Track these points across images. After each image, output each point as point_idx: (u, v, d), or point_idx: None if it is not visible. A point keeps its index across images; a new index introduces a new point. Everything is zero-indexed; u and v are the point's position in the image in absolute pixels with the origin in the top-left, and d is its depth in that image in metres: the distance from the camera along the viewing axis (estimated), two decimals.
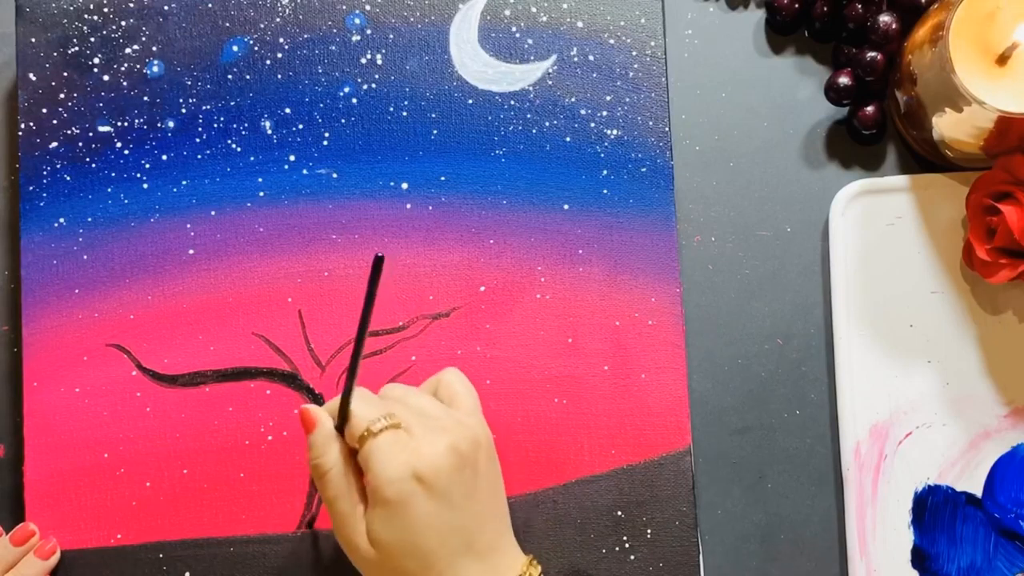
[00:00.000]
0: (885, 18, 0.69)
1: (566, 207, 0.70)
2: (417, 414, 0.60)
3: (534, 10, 0.71)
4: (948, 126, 0.67)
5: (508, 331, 0.70)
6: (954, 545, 0.69)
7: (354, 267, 0.70)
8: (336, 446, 0.60)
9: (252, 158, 0.71)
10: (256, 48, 0.71)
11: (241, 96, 0.71)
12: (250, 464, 0.69)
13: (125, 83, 0.71)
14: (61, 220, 0.71)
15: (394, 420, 0.58)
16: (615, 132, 0.70)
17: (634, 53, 0.71)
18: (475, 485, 0.59)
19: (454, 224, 0.70)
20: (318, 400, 0.70)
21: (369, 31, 0.71)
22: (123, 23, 0.71)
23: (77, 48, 0.71)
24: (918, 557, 0.69)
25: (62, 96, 0.71)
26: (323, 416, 0.60)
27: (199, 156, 0.71)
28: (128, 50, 0.71)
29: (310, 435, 0.60)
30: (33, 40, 0.71)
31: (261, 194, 0.71)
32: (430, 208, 0.70)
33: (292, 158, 0.71)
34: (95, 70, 0.71)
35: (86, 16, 0.71)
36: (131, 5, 0.71)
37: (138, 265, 0.70)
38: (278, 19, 0.71)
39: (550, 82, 0.71)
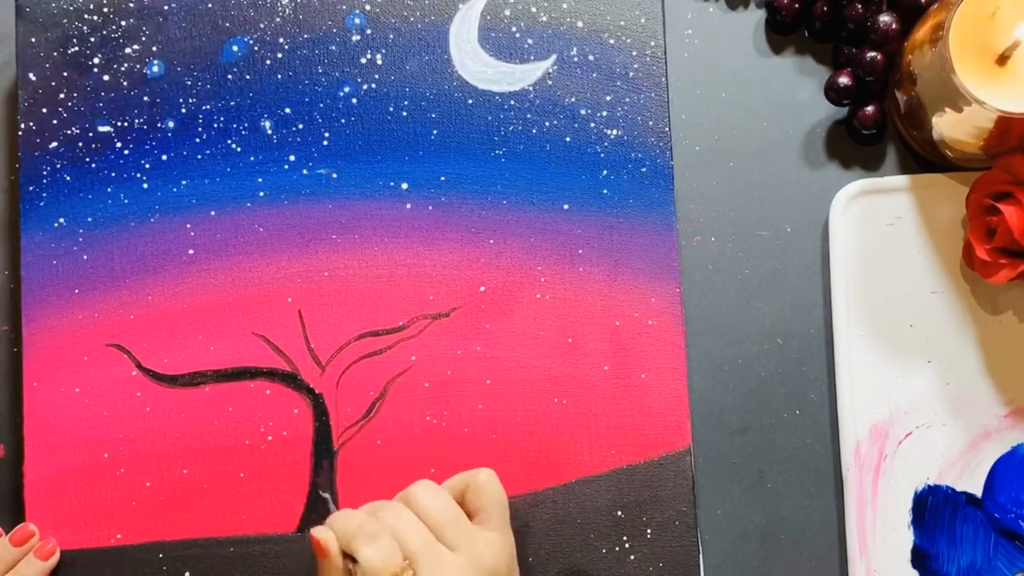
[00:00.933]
0: (885, 18, 0.69)
1: (566, 207, 0.70)
2: (428, 545, 0.60)
3: (534, 10, 0.71)
4: (948, 126, 0.67)
5: (508, 331, 0.70)
6: (954, 545, 0.69)
7: (354, 267, 0.70)
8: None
9: (252, 158, 0.71)
10: (256, 48, 0.71)
11: (241, 96, 0.71)
12: (250, 464, 0.69)
13: (125, 83, 0.71)
14: (61, 220, 0.71)
15: (400, 569, 0.59)
16: (615, 132, 0.70)
17: (634, 53, 0.71)
18: None
19: (454, 224, 0.70)
20: (318, 400, 0.70)
21: (369, 31, 0.71)
22: (123, 23, 0.71)
23: (77, 48, 0.71)
24: (918, 557, 0.69)
25: (62, 96, 0.71)
26: (335, 547, 0.61)
27: (199, 156, 0.71)
28: (128, 50, 0.71)
29: (322, 561, 0.61)
30: (33, 40, 0.71)
31: (261, 194, 0.71)
32: (430, 208, 0.70)
33: (292, 158, 0.71)
34: (95, 70, 0.71)
35: (86, 16, 0.71)
36: (131, 5, 0.71)
37: (138, 265, 0.70)
38: (278, 19, 0.71)
39: (550, 82, 0.71)
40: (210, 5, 0.71)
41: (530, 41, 0.71)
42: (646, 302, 0.70)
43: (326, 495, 0.69)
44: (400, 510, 0.62)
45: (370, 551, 0.59)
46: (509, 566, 0.62)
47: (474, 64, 0.71)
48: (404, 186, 0.70)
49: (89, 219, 0.71)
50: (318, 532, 0.61)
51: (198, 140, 0.71)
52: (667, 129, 0.70)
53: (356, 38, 0.71)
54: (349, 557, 0.61)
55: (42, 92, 0.71)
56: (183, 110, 0.71)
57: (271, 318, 0.70)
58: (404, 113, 0.71)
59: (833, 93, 0.71)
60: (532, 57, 0.71)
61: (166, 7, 0.71)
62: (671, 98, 0.72)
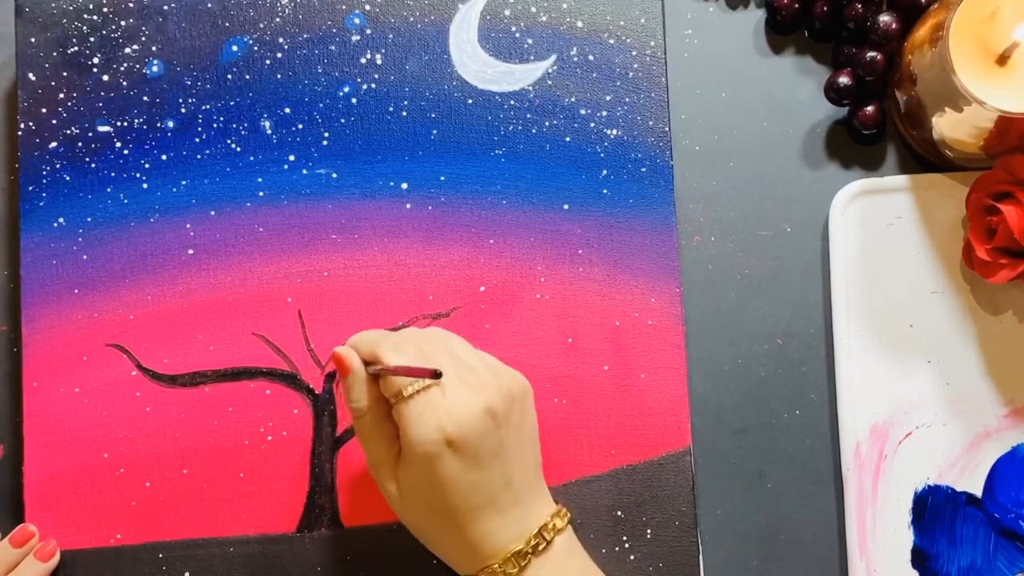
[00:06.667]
0: (885, 18, 0.69)
1: (566, 207, 0.70)
2: (456, 363, 0.61)
3: (534, 10, 0.71)
4: (948, 126, 0.67)
5: (508, 331, 0.70)
6: (954, 545, 0.69)
7: (354, 267, 0.70)
8: (369, 389, 0.61)
9: (252, 158, 0.71)
10: (256, 48, 0.71)
11: (241, 96, 0.71)
12: (250, 464, 0.69)
13: (125, 83, 0.71)
14: (61, 220, 0.71)
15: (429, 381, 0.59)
16: (615, 132, 0.70)
17: (634, 53, 0.71)
18: (506, 441, 0.60)
19: (454, 224, 0.70)
20: (318, 400, 0.70)
21: (369, 31, 0.71)
22: (123, 23, 0.71)
23: (77, 48, 0.71)
24: (918, 557, 0.69)
25: (62, 96, 0.71)
26: (356, 362, 0.61)
27: (199, 156, 0.71)
28: (128, 50, 0.71)
29: (345, 379, 0.62)
30: (33, 40, 0.71)
31: (261, 194, 0.71)
32: (430, 208, 0.70)
33: (292, 158, 0.71)
34: (95, 70, 0.71)
35: (86, 16, 0.71)
36: (131, 5, 0.71)
37: (138, 265, 0.70)
38: (278, 19, 0.71)
39: (550, 82, 0.71)
40: (210, 5, 0.71)
41: (530, 41, 0.71)
42: (646, 302, 0.70)
43: (325, 495, 0.69)
44: (425, 332, 0.63)
45: (396, 356, 0.60)
46: (523, 399, 0.62)
47: (474, 64, 0.71)
48: (404, 186, 0.70)
49: (89, 219, 0.71)
50: (339, 349, 0.62)
51: (198, 140, 0.71)
52: (667, 129, 0.70)
53: (356, 38, 0.71)
54: (373, 376, 0.61)
55: (42, 92, 0.71)
56: (183, 110, 0.71)
57: (271, 318, 0.70)
58: (404, 113, 0.71)
59: (833, 93, 0.71)
60: (532, 57, 0.71)
61: (166, 7, 0.71)
62: (671, 98, 0.72)
